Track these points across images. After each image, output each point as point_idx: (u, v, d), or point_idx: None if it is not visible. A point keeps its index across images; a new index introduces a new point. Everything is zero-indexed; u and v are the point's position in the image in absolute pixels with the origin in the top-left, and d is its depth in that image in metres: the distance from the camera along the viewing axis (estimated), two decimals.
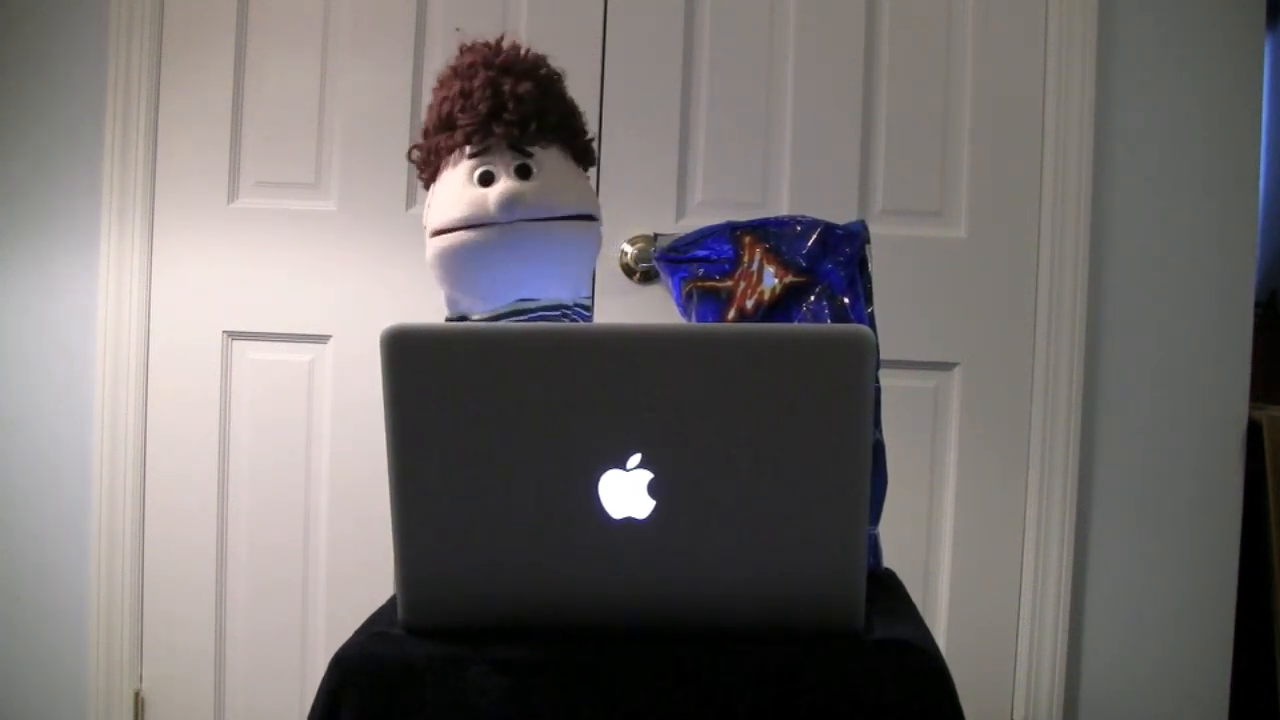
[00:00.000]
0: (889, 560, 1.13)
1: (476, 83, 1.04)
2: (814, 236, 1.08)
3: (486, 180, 1.03)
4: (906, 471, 1.65)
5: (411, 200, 1.69)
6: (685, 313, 1.13)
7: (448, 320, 1.09)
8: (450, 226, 1.04)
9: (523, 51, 1.08)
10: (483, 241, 1.03)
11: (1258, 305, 1.75)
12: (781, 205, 1.68)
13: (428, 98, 1.65)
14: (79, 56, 1.71)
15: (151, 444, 1.71)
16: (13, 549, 1.73)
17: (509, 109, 1.04)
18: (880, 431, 1.08)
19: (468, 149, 1.04)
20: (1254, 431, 1.66)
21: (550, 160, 1.07)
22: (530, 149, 1.05)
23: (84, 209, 1.71)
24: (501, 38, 1.08)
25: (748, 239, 1.09)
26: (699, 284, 1.10)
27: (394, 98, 1.69)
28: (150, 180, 1.70)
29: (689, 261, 1.11)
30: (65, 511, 1.72)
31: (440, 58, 1.68)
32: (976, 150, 1.67)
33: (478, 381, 0.80)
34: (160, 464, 1.71)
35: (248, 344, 1.71)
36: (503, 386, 0.80)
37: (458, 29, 1.62)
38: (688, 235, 1.13)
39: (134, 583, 1.71)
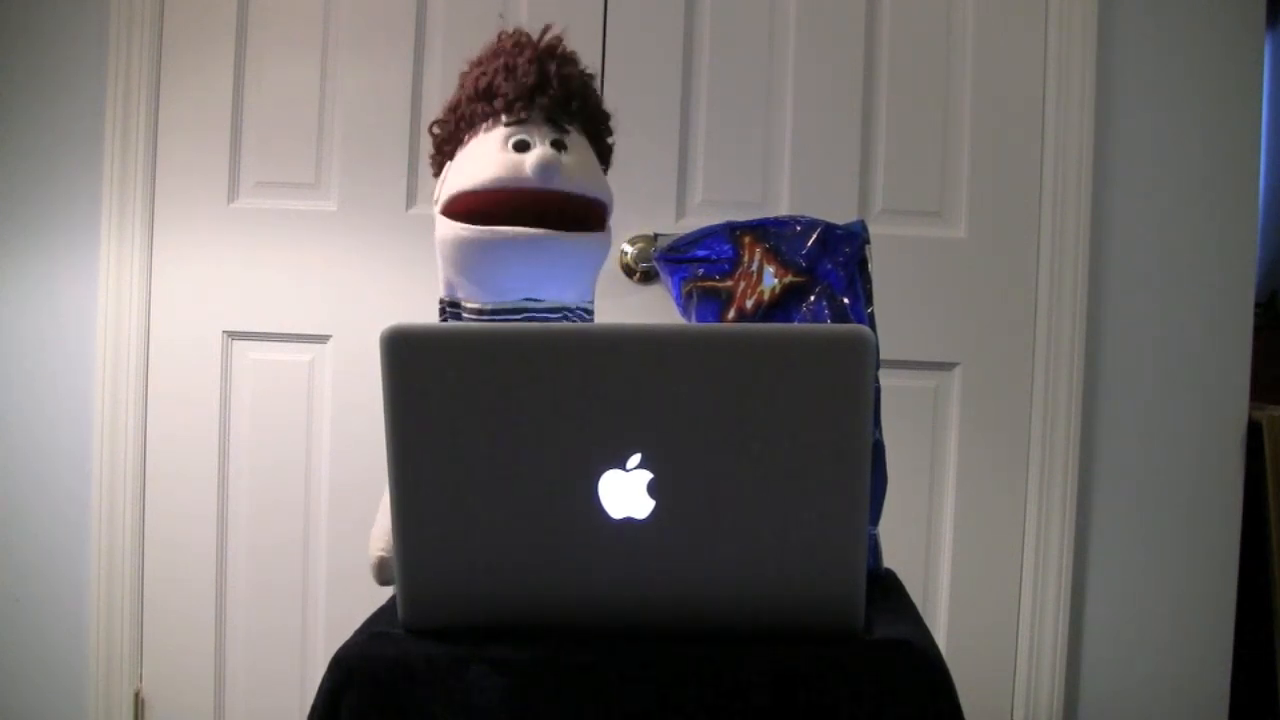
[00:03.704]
0: (889, 560, 1.13)
1: (522, 59, 1.07)
2: (814, 236, 1.08)
3: (521, 148, 1.05)
4: (906, 471, 1.65)
5: (411, 200, 1.69)
6: (685, 313, 1.12)
7: (441, 302, 1.10)
8: (480, 188, 1.04)
9: (565, 44, 1.11)
10: (511, 242, 1.03)
11: (1258, 305, 1.75)
12: (781, 205, 1.68)
13: (428, 98, 1.69)
14: (79, 57, 1.71)
15: (151, 444, 1.71)
16: (13, 549, 1.73)
17: (553, 86, 1.07)
18: (880, 431, 1.08)
19: (504, 118, 1.06)
20: (1254, 431, 1.66)
21: (580, 144, 1.10)
22: (567, 127, 1.08)
23: (84, 209, 1.71)
24: (547, 28, 1.10)
25: (747, 239, 1.09)
26: (699, 284, 1.10)
27: (394, 98, 1.69)
28: (150, 180, 1.70)
29: (689, 261, 1.11)
30: (65, 512, 1.72)
31: (440, 57, 1.69)
32: (976, 150, 1.67)
33: (478, 381, 0.80)
34: (160, 464, 1.71)
35: (248, 344, 1.71)
36: (503, 386, 0.80)
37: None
38: (688, 235, 1.13)
39: (134, 583, 1.71)
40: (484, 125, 1.07)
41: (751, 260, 1.09)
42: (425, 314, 1.65)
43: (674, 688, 0.83)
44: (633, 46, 1.68)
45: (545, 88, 1.07)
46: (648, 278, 1.67)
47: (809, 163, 1.68)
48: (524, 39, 1.09)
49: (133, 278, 1.70)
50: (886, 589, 1.06)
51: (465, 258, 1.06)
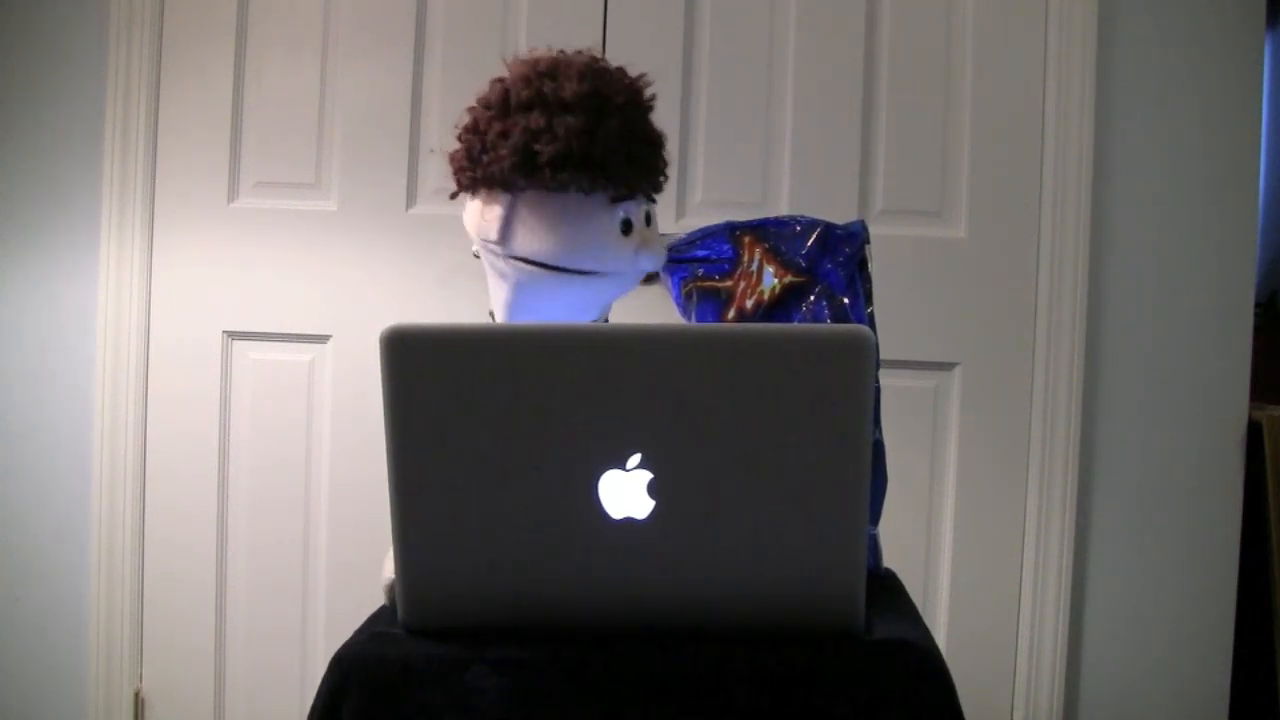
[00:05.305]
0: (889, 560, 1.13)
1: (614, 124, 0.97)
2: (814, 236, 1.08)
3: (625, 228, 1.01)
4: (906, 471, 1.65)
5: (411, 200, 1.69)
6: (685, 313, 1.13)
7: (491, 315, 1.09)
8: (586, 269, 1.00)
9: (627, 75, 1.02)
10: (594, 286, 1.02)
11: (1258, 305, 1.75)
12: (781, 205, 1.68)
13: (428, 98, 1.69)
14: (79, 57, 1.71)
15: (151, 444, 1.71)
16: (13, 549, 1.73)
17: (645, 154, 1.02)
18: (880, 431, 1.08)
19: (610, 190, 0.99)
20: (1254, 431, 1.66)
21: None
22: (655, 196, 1.06)
23: (84, 209, 1.71)
24: (598, 59, 1.01)
25: (747, 239, 1.09)
26: (699, 284, 1.10)
27: (394, 98, 1.69)
28: (150, 180, 1.70)
29: (689, 261, 1.11)
30: (65, 511, 1.72)
31: (440, 58, 1.69)
32: (976, 150, 1.67)
33: (478, 381, 0.80)
34: (160, 464, 1.71)
35: (248, 344, 1.71)
36: (503, 386, 0.80)
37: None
38: (688, 235, 1.13)
39: (134, 583, 1.71)
40: (574, 190, 0.97)
41: (751, 260, 1.09)
42: (425, 314, 1.65)
43: (674, 688, 0.83)
44: (633, 46, 1.68)
45: (638, 158, 1.00)
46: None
47: (809, 163, 1.68)
48: (602, 86, 0.98)
49: (133, 278, 1.70)
50: (886, 589, 1.06)
51: (534, 291, 1.03)
